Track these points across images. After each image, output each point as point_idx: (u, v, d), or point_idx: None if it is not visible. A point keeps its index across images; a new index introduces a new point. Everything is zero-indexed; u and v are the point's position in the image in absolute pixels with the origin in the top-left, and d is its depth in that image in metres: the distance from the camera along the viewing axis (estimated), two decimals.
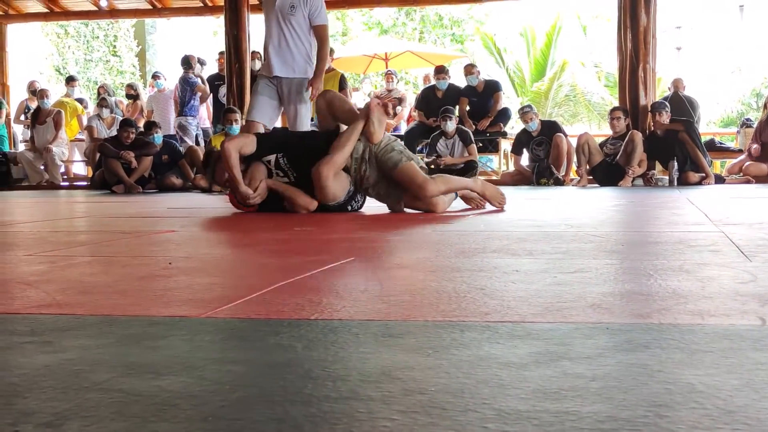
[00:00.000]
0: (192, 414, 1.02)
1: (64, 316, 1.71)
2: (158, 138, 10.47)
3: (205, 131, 12.25)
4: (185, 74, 12.11)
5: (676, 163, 9.35)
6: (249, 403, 1.06)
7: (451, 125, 10.12)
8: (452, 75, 12.28)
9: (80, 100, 13.57)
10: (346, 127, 5.04)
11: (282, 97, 6.38)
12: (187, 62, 12.10)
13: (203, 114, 12.45)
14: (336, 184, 4.90)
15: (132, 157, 9.98)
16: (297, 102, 6.34)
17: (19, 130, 13.59)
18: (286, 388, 1.14)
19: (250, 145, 5.02)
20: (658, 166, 9.95)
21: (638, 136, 9.45)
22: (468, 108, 11.29)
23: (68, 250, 3.20)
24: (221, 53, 11.98)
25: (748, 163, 10.15)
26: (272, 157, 5.09)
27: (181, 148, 10.98)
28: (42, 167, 11.87)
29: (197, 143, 11.68)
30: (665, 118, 9.71)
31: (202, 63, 12.57)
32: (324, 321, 1.61)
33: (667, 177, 9.53)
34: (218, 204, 5.59)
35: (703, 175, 9.43)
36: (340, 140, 4.91)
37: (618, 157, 9.56)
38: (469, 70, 11.47)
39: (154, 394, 1.11)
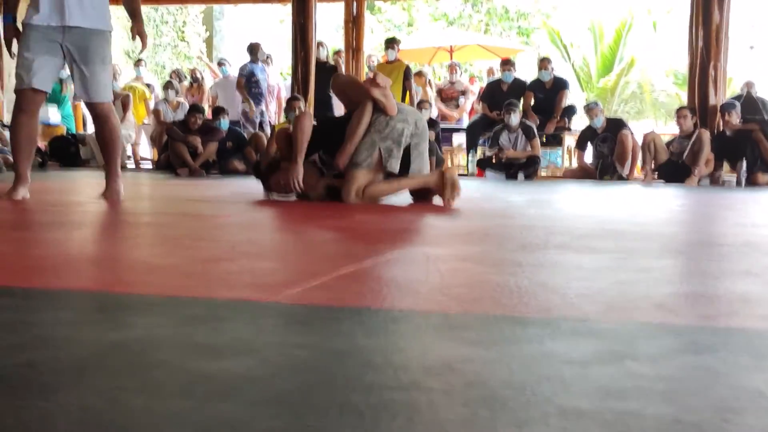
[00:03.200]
0: (254, 396, 1.03)
1: (131, 295, 1.75)
2: (225, 124, 10.58)
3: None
4: (247, 63, 12.21)
5: (745, 164, 9.14)
6: (311, 387, 1.07)
7: (514, 119, 10.04)
8: (517, 68, 12.16)
9: (148, 85, 13.78)
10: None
11: (67, 55, 4.71)
12: (251, 50, 12.19)
13: (272, 108, 12.49)
14: (361, 176, 4.93)
15: (198, 143, 10.11)
16: (95, 61, 4.78)
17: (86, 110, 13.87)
18: (347, 375, 1.14)
19: (311, 124, 5.12)
20: (726, 167, 9.74)
21: (706, 135, 9.26)
22: (533, 103, 11.19)
23: (134, 231, 3.26)
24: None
25: None
26: (315, 157, 5.20)
27: (245, 135, 11.08)
28: None
29: (261, 130, 11.77)
30: (735, 118, 9.50)
31: (265, 59, 12.57)
32: (385, 310, 1.61)
33: (734, 177, 9.32)
34: (281, 198, 5.64)
35: None
36: (350, 128, 4.98)
37: (684, 156, 9.39)
38: (544, 65, 11.34)
39: (217, 375, 1.13)
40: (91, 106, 4.88)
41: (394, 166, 4.90)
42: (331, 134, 5.10)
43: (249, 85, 12.03)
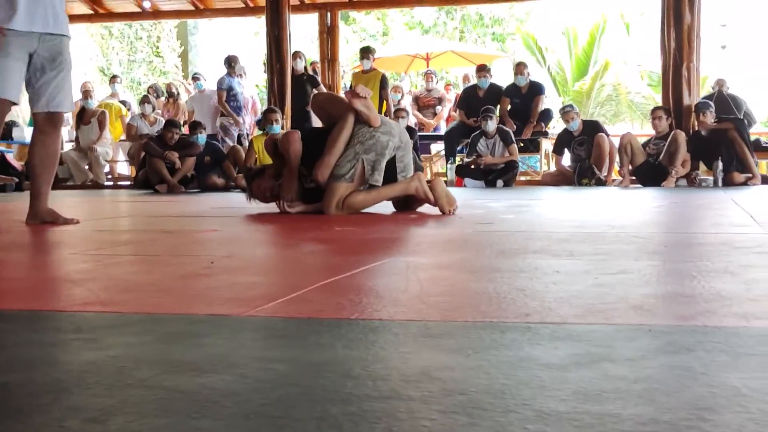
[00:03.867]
0: (234, 412, 1.03)
1: (109, 314, 1.74)
2: (202, 138, 10.57)
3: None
4: (224, 76, 12.21)
5: (720, 164, 9.22)
6: (290, 401, 1.07)
7: (491, 125, 10.08)
8: (493, 74, 12.21)
9: (123, 102, 13.74)
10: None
11: (36, 63, 4.46)
12: (228, 63, 12.20)
13: (248, 121, 12.47)
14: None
15: (176, 158, 10.08)
16: (66, 69, 4.59)
17: (65, 131, 13.78)
18: (326, 386, 1.14)
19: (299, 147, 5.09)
20: (702, 167, 9.82)
21: (681, 136, 9.34)
22: (509, 108, 11.23)
23: (112, 249, 3.25)
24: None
25: None
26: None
27: (223, 149, 11.07)
28: (86, 167, 12.04)
29: (239, 143, 11.76)
30: (709, 118, 9.58)
31: (236, 70, 12.57)
32: (364, 321, 1.61)
33: (711, 177, 9.40)
34: (259, 203, 5.63)
35: (749, 175, 9.30)
36: (330, 139, 4.96)
37: (661, 157, 9.46)
38: (520, 69, 11.40)
39: (196, 391, 1.12)
40: (51, 117, 4.50)
41: (378, 179, 4.88)
42: (312, 147, 5.08)
43: (228, 98, 12.04)
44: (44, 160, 4.52)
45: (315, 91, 11.79)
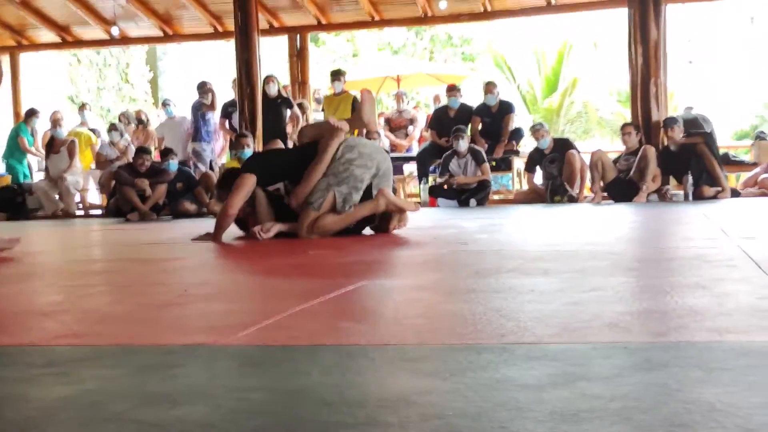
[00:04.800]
0: None
1: (81, 346, 1.72)
2: (173, 165, 10.52)
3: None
4: (198, 100, 12.18)
5: (690, 178, 9.31)
6: (265, 431, 1.06)
7: (463, 144, 10.12)
8: (464, 93, 12.28)
9: (93, 130, 13.65)
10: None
11: None
12: (200, 88, 12.18)
13: (217, 148, 12.45)
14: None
15: (146, 185, 10.03)
16: None
17: (35, 160, 13.68)
18: (302, 415, 1.13)
19: (248, 192, 5.08)
20: (673, 181, 9.91)
21: (651, 151, 9.42)
22: (480, 127, 11.29)
23: (84, 280, 3.22)
24: (234, 80, 12.07)
25: (764, 176, 10.10)
26: (280, 185, 5.20)
27: (194, 175, 11.02)
28: (57, 197, 11.94)
29: (211, 169, 11.72)
30: (678, 132, 9.68)
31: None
32: (340, 346, 1.60)
33: (681, 192, 9.48)
34: (233, 230, 5.58)
35: (719, 189, 9.39)
36: (309, 168, 4.97)
37: (632, 172, 9.53)
38: (489, 89, 11.45)
39: (171, 423, 1.11)
40: None
41: (348, 210, 4.87)
42: (297, 165, 5.08)
43: (200, 123, 12.02)
44: None
45: (290, 112, 11.80)
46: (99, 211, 12.20)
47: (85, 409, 1.21)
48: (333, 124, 4.97)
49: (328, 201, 4.87)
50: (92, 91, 23.65)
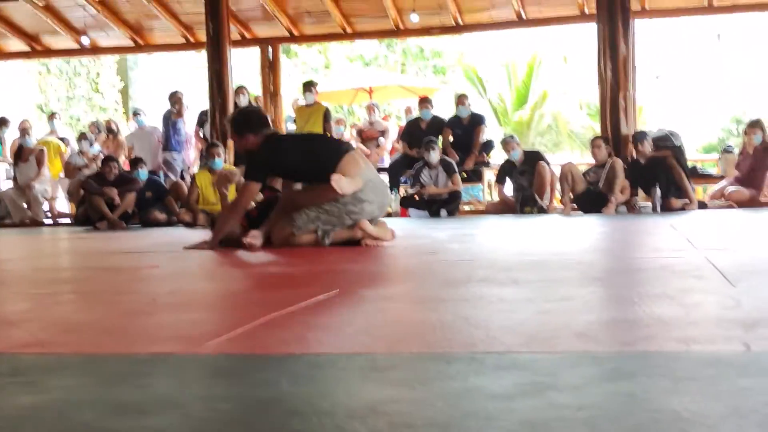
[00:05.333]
0: None
1: (48, 355, 1.70)
2: (143, 174, 10.45)
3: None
4: (169, 110, 12.13)
5: (659, 190, 9.39)
6: None
7: (434, 155, 10.14)
8: (435, 106, 12.32)
9: (62, 139, 13.53)
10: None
11: None
12: (171, 97, 12.13)
13: (190, 157, 12.39)
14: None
15: (115, 194, 9.95)
16: None
17: (2, 169, 13.53)
18: (271, 424, 1.13)
19: (252, 199, 5.09)
20: (641, 193, 9.99)
21: (619, 164, 9.50)
22: (452, 139, 11.33)
23: (51, 288, 3.18)
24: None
25: (730, 188, 10.22)
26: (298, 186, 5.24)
27: (165, 184, 10.96)
28: (25, 205, 11.82)
29: (182, 178, 11.66)
30: (647, 146, 9.78)
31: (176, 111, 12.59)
32: (309, 356, 1.60)
33: (650, 203, 9.56)
34: (202, 238, 5.53)
35: (686, 201, 9.48)
36: (314, 194, 4.93)
37: (601, 185, 9.61)
38: (462, 101, 11.52)
39: None
40: None
41: (326, 242, 4.83)
42: (305, 171, 5.02)
43: (171, 133, 11.97)
44: None
45: None
46: (68, 220, 12.09)
47: (51, 419, 1.20)
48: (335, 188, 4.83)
49: (311, 229, 4.84)
50: (62, 100, 23.45)
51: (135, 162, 10.65)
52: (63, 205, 13.05)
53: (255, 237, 4.90)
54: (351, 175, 4.82)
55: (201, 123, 11.98)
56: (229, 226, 5.05)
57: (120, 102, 24.26)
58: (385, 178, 12.08)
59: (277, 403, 1.24)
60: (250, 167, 5.06)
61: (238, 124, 5.15)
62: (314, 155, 5.01)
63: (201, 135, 11.99)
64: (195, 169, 12.15)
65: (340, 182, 4.74)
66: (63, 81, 23.54)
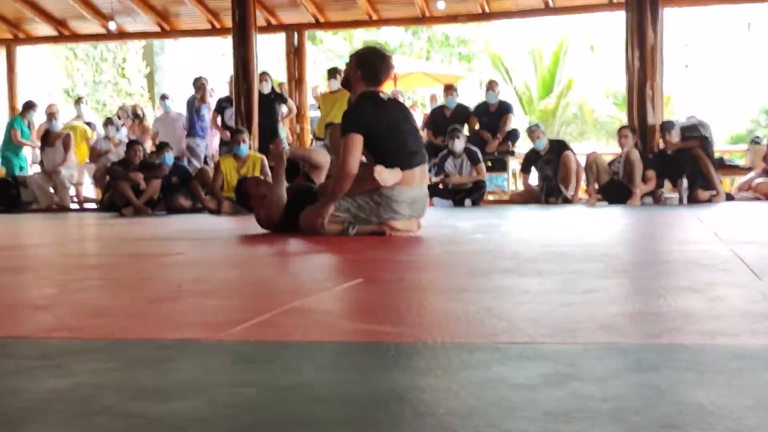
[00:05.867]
0: None
1: (74, 340, 1.72)
2: (169, 158, 10.50)
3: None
4: (193, 95, 12.17)
5: (685, 181, 9.32)
6: (258, 426, 1.06)
7: (459, 144, 10.11)
8: (460, 93, 12.27)
9: (89, 124, 13.63)
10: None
11: None
12: (195, 83, 12.17)
13: (214, 143, 12.42)
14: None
15: (140, 179, 10.01)
16: None
17: (29, 153, 13.65)
18: (294, 411, 1.13)
19: (360, 151, 4.83)
20: (667, 184, 9.92)
21: (634, 155, 9.42)
22: (478, 127, 11.29)
23: (78, 274, 3.21)
24: (231, 77, 12.05)
25: (758, 180, 10.12)
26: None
27: (189, 169, 11.01)
28: (52, 190, 11.91)
29: (206, 164, 11.71)
30: (675, 137, 9.70)
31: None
32: (333, 343, 1.60)
33: (676, 195, 9.49)
34: (227, 225, 5.58)
35: (714, 192, 9.40)
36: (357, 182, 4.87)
37: (620, 176, 9.54)
38: (491, 86, 11.51)
39: (162, 417, 1.11)
40: None
41: (351, 233, 4.81)
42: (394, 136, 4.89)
43: (195, 119, 12.01)
44: None
45: (284, 108, 11.81)
46: (94, 205, 12.18)
47: (77, 402, 1.21)
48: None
49: (340, 219, 4.82)
50: (88, 85, 23.58)
51: (161, 146, 10.69)
52: (89, 190, 13.15)
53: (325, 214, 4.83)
54: (405, 183, 4.79)
55: (220, 110, 12.00)
56: (347, 183, 4.79)
57: (146, 87, 24.37)
58: None
59: (301, 390, 1.24)
60: (349, 119, 4.89)
61: (363, 66, 4.99)
62: (403, 139, 4.89)
63: (219, 122, 12.01)
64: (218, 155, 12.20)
65: (383, 174, 4.71)
66: (90, 66, 23.68)
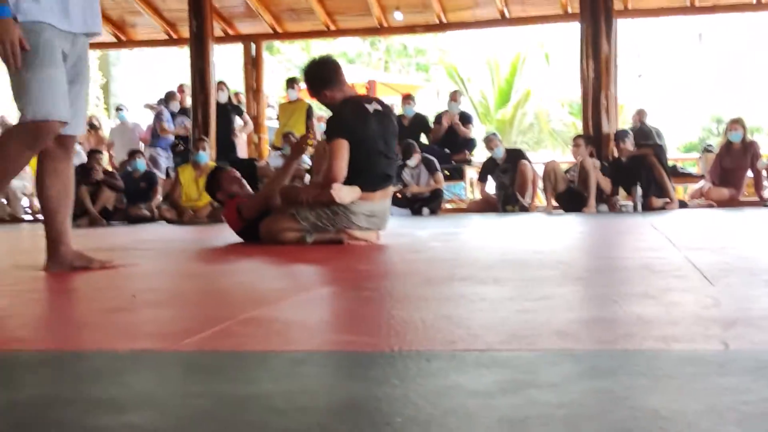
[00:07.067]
0: None
1: (26, 352, 1.69)
2: (141, 164, 10.52)
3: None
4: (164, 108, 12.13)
5: (639, 189, 9.44)
6: None
7: (412, 162, 10.10)
8: (418, 103, 12.32)
9: None
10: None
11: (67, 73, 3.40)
12: (170, 96, 12.15)
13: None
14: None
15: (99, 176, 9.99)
16: (86, 80, 3.61)
17: None
18: (250, 421, 1.12)
19: (347, 155, 4.76)
20: (622, 192, 10.04)
21: (589, 163, 9.53)
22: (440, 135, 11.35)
23: (31, 284, 3.16)
24: (180, 86, 12.06)
25: (709, 187, 10.29)
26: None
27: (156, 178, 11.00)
28: (4, 201, 11.73)
29: (167, 175, 11.63)
30: (629, 145, 9.83)
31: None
32: (289, 353, 1.60)
33: (631, 202, 9.61)
34: (185, 235, 5.53)
35: (667, 200, 9.53)
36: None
37: (576, 184, 9.65)
38: (455, 97, 11.60)
39: (117, 430, 1.10)
40: (63, 141, 3.52)
41: (309, 242, 4.79)
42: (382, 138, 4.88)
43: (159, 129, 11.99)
44: (61, 191, 3.58)
45: (239, 120, 11.79)
46: None
47: (27, 416, 1.19)
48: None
49: (297, 227, 4.79)
50: None
51: (132, 153, 10.70)
52: None
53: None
54: (365, 198, 4.78)
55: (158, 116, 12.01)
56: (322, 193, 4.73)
57: (101, 98, 24.12)
58: None
59: (257, 400, 1.23)
60: (332, 126, 4.85)
61: (312, 83, 4.97)
62: (376, 160, 4.86)
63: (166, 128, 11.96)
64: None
65: (340, 192, 4.68)
66: None
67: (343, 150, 4.70)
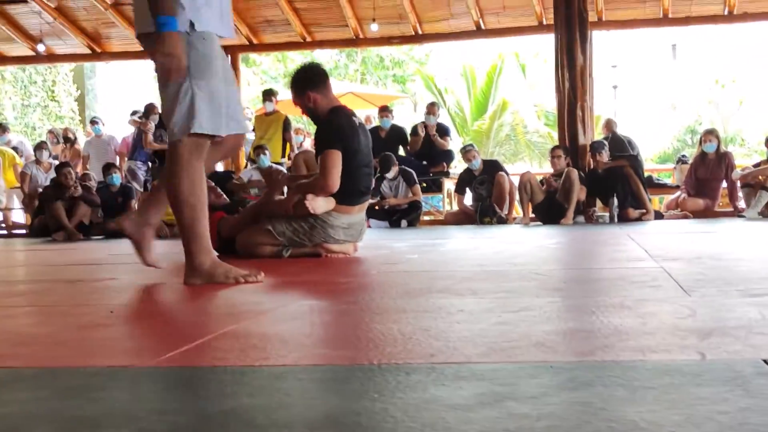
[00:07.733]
0: None
1: (2, 369, 1.67)
2: (116, 179, 10.48)
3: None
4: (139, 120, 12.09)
5: (616, 200, 9.50)
6: None
7: (391, 174, 10.12)
8: (395, 115, 12.38)
9: (15, 149, 13.33)
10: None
11: None
12: (150, 110, 12.10)
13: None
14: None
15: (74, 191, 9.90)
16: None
17: None
18: None
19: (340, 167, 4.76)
20: (599, 203, 10.10)
21: (574, 174, 9.59)
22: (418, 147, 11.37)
23: (5, 300, 3.13)
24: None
25: (683, 197, 10.38)
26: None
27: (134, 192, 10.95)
28: None
29: (146, 189, 11.58)
30: (605, 156, 9.90)
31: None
32: (268, 367, 1.59)
33: (607, 214, 9.67)
34: (163, 249, 5.45)
35: (643, 211, 9.60)
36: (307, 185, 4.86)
37: (557, 194, 9.69)
38: (433, 110, 11.62)
39: None
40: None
41: (285, 255, 4.78)
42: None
43: (139, 143, 11.92)
44: (202, 196, 3.40)
45: None
46: (23, 231, 11.92)
47: None
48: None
49: (274, 241, 4.79)
50: (17, 108, 23.12)
51: (108, 167, 10.65)
52: (18, 215, 12.86)
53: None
54: (342, 211, 4.79)
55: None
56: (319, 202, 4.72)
57: (76, 111, 23.98)
58: None
59: (235, 416, 1.23)
60: (326, 136, 4.78)
61: (298, 83, 4.92)
62: (358, 175, 4.86)
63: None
64: None
65: (314, 203, 4.67)
66: (18, 89, 23.23)
67: (338, 160, 4.68)
